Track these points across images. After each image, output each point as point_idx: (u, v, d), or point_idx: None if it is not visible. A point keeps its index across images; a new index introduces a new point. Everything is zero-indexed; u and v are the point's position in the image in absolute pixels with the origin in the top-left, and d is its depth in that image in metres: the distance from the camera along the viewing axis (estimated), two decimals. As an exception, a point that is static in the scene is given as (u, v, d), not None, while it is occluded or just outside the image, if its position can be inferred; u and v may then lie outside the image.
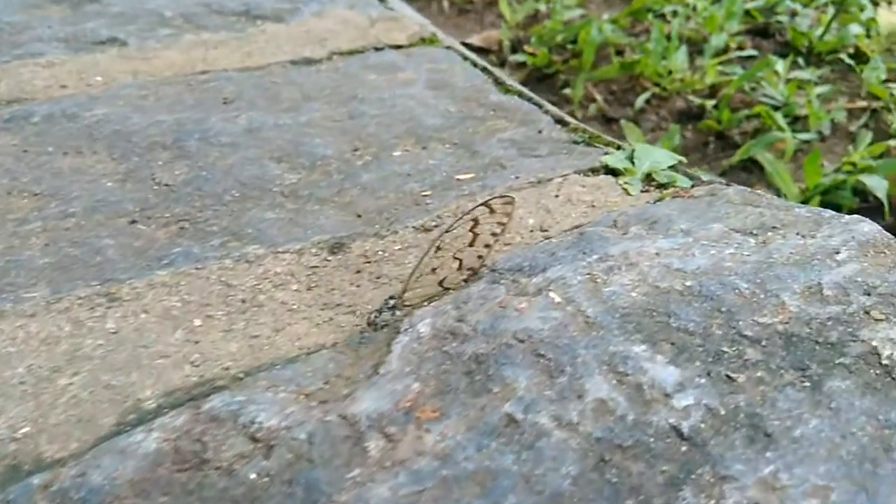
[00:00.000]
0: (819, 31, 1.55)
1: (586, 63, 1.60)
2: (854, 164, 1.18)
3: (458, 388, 0.42)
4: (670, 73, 1.56)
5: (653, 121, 1.54)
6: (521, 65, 1.73)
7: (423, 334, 0.46)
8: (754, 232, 0.56)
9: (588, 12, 1.83)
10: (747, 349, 0.44)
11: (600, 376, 0.42)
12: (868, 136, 1.25)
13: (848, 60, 1.48)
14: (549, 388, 0.41)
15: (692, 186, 0.70)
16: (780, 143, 1.31)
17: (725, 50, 1.62)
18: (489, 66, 0.96)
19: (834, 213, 0.59)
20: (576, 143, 0.80)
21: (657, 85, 1.56)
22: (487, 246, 0.54)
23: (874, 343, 0.43)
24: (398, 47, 0.99)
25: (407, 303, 0.51)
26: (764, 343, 0.44)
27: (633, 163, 0.75)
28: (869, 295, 0.47)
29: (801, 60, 1.55)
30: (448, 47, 1.01)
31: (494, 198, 0.58)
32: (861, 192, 1.17)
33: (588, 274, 0.50)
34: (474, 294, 0.51)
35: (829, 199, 1.18)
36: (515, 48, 1.78)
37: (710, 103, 1.45)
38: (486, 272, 0.53)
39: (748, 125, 1.41)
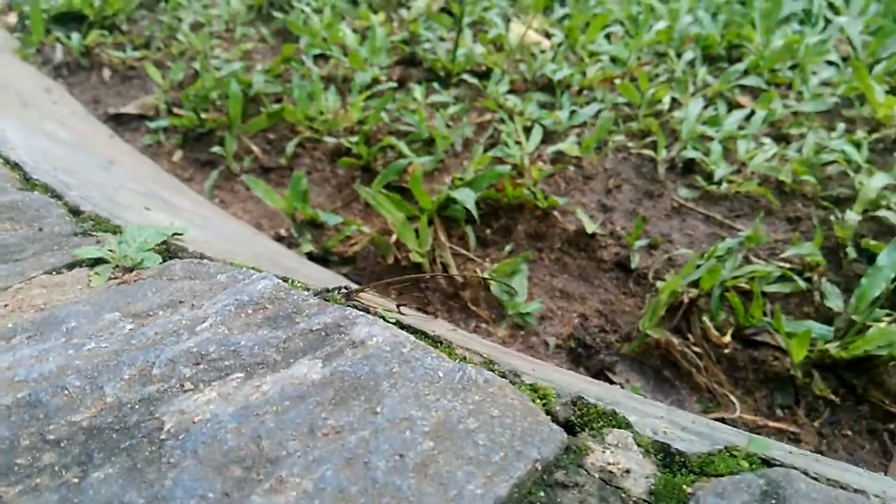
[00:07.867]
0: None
1: (234, 118, 1.57)
2: (462, 179, 1.25)
3: None
4: (322, 114, 1.57)
5: (307, 164, 1.54)
6: (175, 128, 1.66)
7: None
8: (154, 312, 0.53)
9: (251, 63, 1.81)
10: (44, 455, 0.40)
11: None
12: (479, 150, 1.33)
13: (472, 79, 1.58)
14: None
15: (164, 261, 0.67)
16: (411, 168, 1.36)
17: (376, 83, 1.67)
18: (12, 157, 0.87)
19: (248, 273, 0.58)
20: (76, 234, 0.75)
21: (311, 128, 1.57)
22: None
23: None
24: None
25: None
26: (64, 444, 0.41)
27: (121, 247, 0.71)
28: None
29: (438, 84, 1.63)
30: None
31: None
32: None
33: None
34: None
35: (448, 214, 1.24)
36: (172, 111, 1.71)
37: (354, 140, 1.47)
38: None
39: (391, 155, 1.45)
